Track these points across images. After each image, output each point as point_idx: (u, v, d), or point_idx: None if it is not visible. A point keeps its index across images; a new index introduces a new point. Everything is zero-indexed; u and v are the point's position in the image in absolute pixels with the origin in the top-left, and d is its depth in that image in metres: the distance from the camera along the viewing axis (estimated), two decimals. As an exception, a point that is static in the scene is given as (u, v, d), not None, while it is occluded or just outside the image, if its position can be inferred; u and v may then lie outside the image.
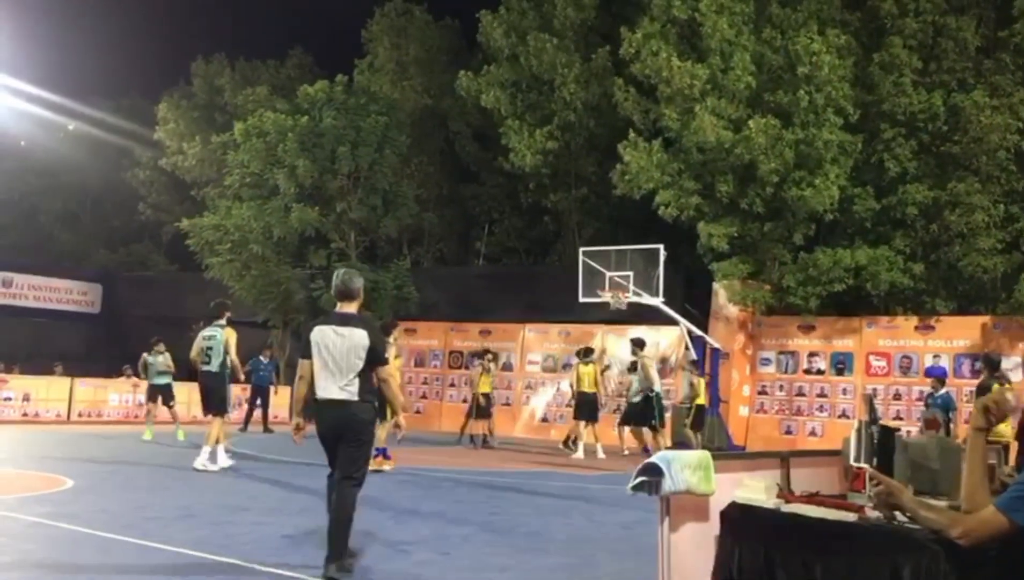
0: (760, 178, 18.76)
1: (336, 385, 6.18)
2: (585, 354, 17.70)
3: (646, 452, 14.27)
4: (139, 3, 40.49)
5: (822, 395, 19.40)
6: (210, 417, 12.15)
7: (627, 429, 16.85)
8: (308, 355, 6.27)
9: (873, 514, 3.07)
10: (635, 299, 18.42)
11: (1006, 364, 16.02)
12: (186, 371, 14.74)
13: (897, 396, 18.48)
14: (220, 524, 8.02)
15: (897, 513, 2.96)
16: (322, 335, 6.26)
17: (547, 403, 22.12)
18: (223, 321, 12.23)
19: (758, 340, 20.39)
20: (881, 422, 3.72)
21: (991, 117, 18.13)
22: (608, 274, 18.75)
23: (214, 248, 24.09)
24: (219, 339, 12.04)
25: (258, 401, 20.24)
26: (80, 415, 20.43)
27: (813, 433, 19.27)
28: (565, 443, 17.66)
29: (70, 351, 25.50)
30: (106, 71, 35.28)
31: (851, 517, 3.10)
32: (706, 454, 3.42)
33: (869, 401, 3.88)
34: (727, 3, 19.19)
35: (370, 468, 12.06)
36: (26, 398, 19.86)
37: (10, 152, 32.87)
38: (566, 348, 21.97)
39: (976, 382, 14.37)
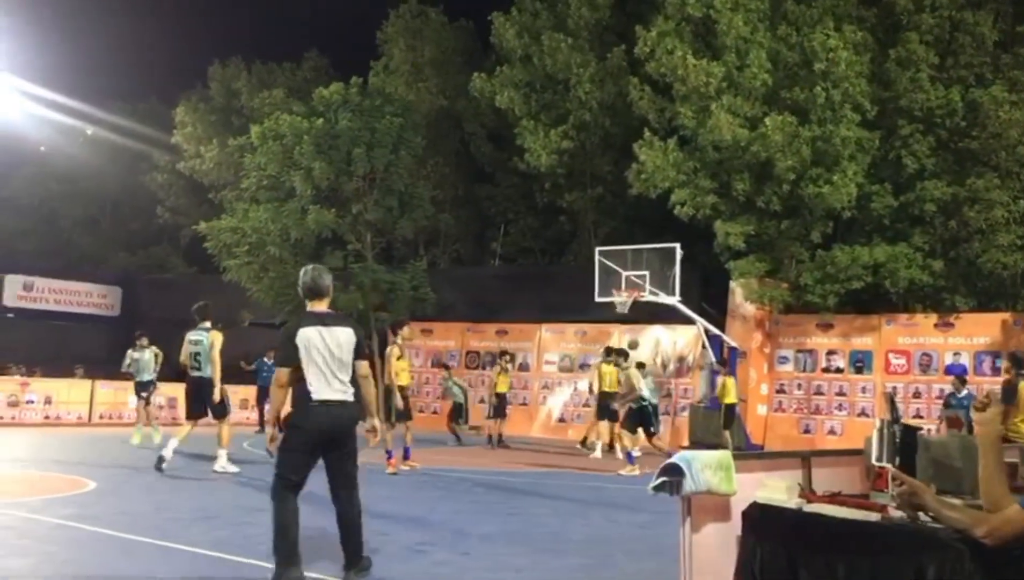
0: (777, 176, 18.69)
1: (333, 386, 5.94)
2: (616, 354, 17.57)
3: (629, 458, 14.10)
4: (155, 8, 40.74)
5: (841, 394, 19.30)
6: (188, 422, 12.04)
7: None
8: (289, 361, 5.88)
9: (896, 514, 3.05)
10: (651, 298, 18.39)
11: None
12: (173, 371, 14.48)
13: (917, 394, 18.36)
14: (239, 525, 8.06)
15: (920, 513, 2.95)
16: (307, 337, 5.93)
17: (564, 403, 22.11)
18: (208, 324, 12.06)
19: (776, 338, 20.31)
20: (902, 421, 3.70)
21: (1010, 112, 18.00)
22: (624, 273, 18.73)
23: (232, 250, 24.19)
24: (206, 344, 11.87)
25: (266, 402, 20.16)
26: (101, 417, 20.58)
27: (832, 432, 19.17)
28: (583, 443, 17.63)
29: (90, 354, 25.65)
30: (124, 76, 35.46)
31: (874, 517, 3.08)
32: (727, 454, 3.41)
33: (891, 400, 3.86)
34: (742, 0, 19.12)
35: (390, 471, 12.13)
36: (48, 401, 20.03)
37: (30, 158, 33.15)
38: (583, 348, 21.96)
39: (1000, 380, 14.26)
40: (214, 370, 11.91)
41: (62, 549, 6.78)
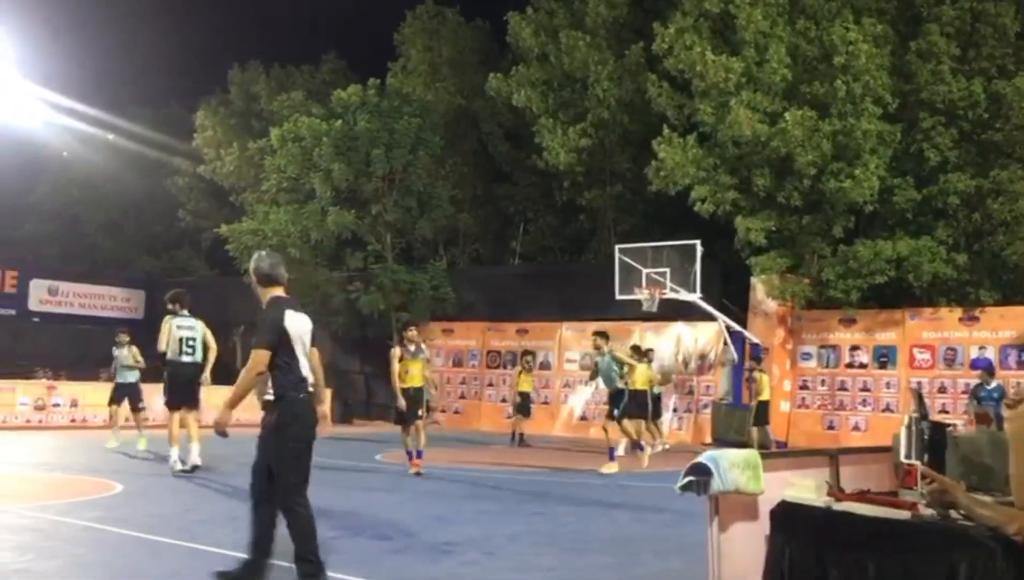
0: (797, 171, 18.58)
1: (310, 378, 5.65)
2: (635, 350, 17.60)
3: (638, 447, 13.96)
4: (174, 15, 41.01)
5: (865, 389, 19.17)
6: (173, 415, 11.63)
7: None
8: (274, 345, 5.42)
9: (927, 512, 3.03)
10: (672, 295, 18.34)
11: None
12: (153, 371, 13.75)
13: (942, 389, 18.21)
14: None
15: (951, 511, 2.93)
16: (292, 322, 5.53)
17: (586, 401, 22.07)
18: (187, 312, 11.74)
19: (798, 334, 20.19)
20: (930, 418, 3.68)
21: (1033, 103, 17.82)
22: (644, 271, 18.70)
23: (253, 253, 24.32)
24: (199, 330, 11.70)
25: None
26: (127, 420, 20.70)
27: (856, 428, 19.05)
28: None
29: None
30: (144, 83, 35.76)
31: (904, 515, 3.06)
32: (754, 453, 3.40)
33: (918, 396, 3.84)
34: (761, -6, 19.05)
35: (412, 471, 12.12)
36: (74, 404, 20.23)
37: (53, 164, 33.48)
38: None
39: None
40: (211, 355, 11.80)
41: (90, 551, 6.85)
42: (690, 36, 19.33)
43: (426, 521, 8.58)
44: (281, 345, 5.44)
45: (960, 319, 18.49)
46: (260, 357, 5.37)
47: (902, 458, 3.43)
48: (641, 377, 16.87)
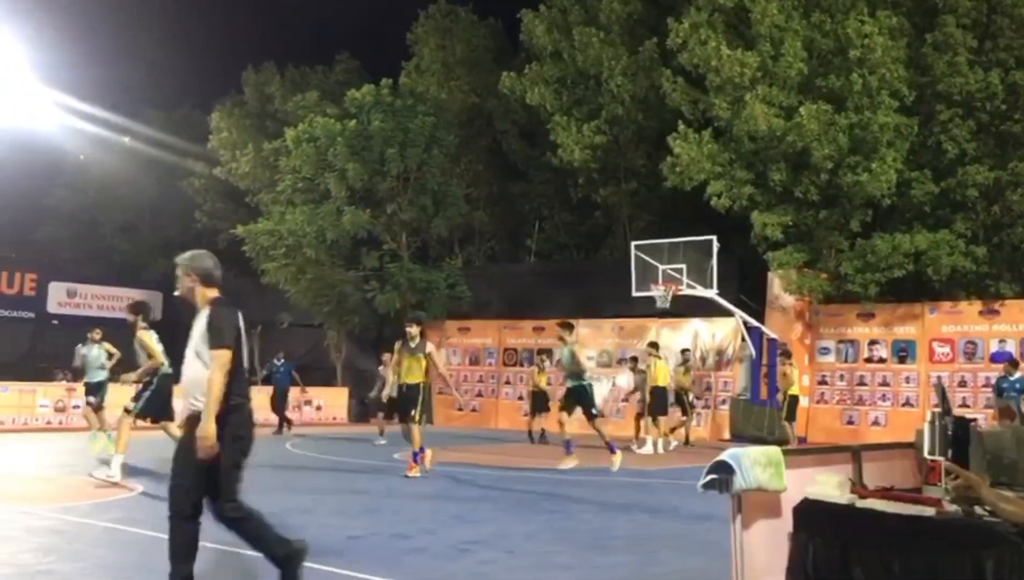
0: (814, 165, 18.49)
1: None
2: (652, 346, 17.64)
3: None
4: (187, 19, 41.27)
5: (884, 384, 19.07)
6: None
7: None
8: (232, 344, 5.13)
9: (951, 508, 3.00)
10: (689, 291, 18.29)
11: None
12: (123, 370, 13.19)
13: (963, 383, 18.09)
14: (287, 526, 8.07)
15: (976, 507, 2.90)
16: (240, 323, 5.30)
17: (603, 398, 21.99)
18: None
19: (816, 329, 20.10)
20: (954, 413, 3.64)
21: (1052, 94, 17.67)
22: (661, 267, 18.66)
23: (269, 253, 24.43)
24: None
25: (286, 399, 19.94)
26: (146, 421, 20.80)
27: (876, 423, 18.95)
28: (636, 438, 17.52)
29: (133, 358, 25.97)
30: (159, 86, 36.02)
31: (929, 511, 3.03)
32: (776, 450, 3.38)
33: (941, 391, 3.81)
34: (775, -12, 18.95)
35: (410, 474, 11.91)
36: (93, 406, 20.31)
37: (70, 168, 33.73)
38: (620, 343, 21.89)
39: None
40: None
41: (113, 552, 6.88)
42: (705, 31, 19.26)
43: (445, 519, 8.58)
44: (236, 349, 5.16)
45: (980, 312, 18.36)
46: (225, 357, 5.05)
47: (926, 454, 3.40)
48: (662, 374, 16.89)
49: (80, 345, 15.19)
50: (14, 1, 23.06)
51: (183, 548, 5.21)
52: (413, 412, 11.97)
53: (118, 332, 29.80)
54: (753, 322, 19.29)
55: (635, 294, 19.09)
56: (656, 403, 16.68)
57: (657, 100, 22.44)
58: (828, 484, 3.26)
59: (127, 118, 31.03)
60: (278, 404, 19.93)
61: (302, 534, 7.67)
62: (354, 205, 23.94)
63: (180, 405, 5.41)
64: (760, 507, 3.35)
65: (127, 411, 11.31)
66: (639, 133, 24.03)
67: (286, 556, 5.33)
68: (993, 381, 15.67)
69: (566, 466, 12.85)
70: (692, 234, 19.10)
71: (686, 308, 19.63)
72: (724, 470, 3.26)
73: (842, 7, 19.02)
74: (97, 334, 14.87)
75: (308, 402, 23.80)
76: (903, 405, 18.68)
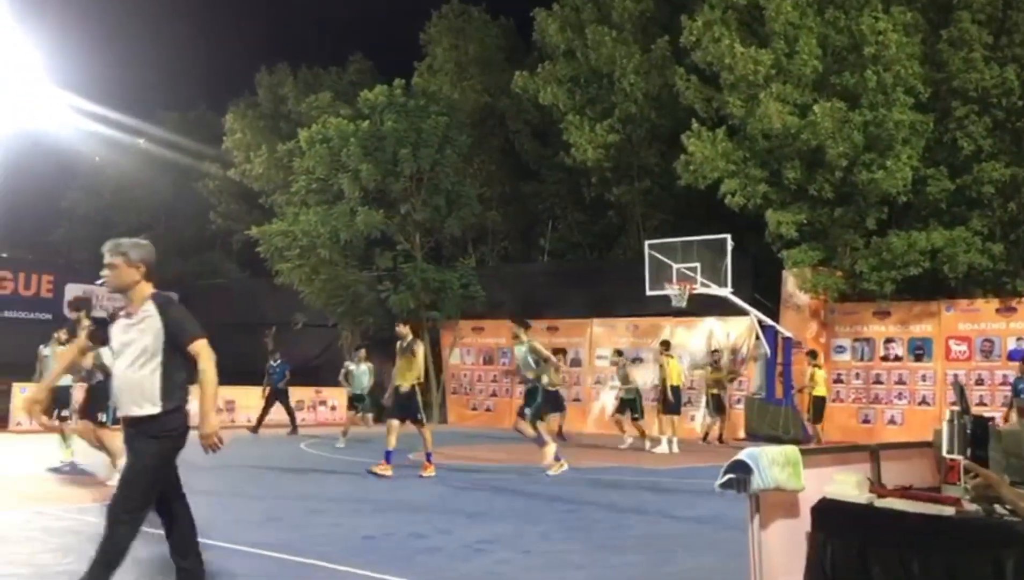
0: (828, 162, 18.41)
1: None
2: (663, 345, 17.77)
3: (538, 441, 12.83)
4: (200, 20, 41.43)
5: (901, 382, 18.97)
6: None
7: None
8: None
9: (970, 507, 2.98)
10: (703, 290, 18.24)
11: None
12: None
13: (980, 381, 17.97)
14: (303, 526, 8.16)
15: (996, 506, 2.87)
16: None
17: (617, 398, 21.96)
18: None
19: (831, 328, 20.00)
20: (972, 412, 3.61)
21: (1069, 89, 17.53)
22: (675, 266, 18.60)
23: (283, 254, 24.50)
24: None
25: (275, 402, 19.73)
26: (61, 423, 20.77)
27: (892, 421, 18.85)
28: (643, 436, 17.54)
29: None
30: (173, 87, 36.19)
31: (948, 511, 3.01)
32: (794, 450, 3.36)
33: (960, 389, 3.77)
34: (790, -15, 18.87)
35: (425, 474, 11.94)
36: (109, 407, 20.41)
37: (85, 169, 33.92)
38: (635, 342, 21.83)
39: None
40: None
41: (129, 553, 6.90)
42: (718, 28, 19.20)
43: (459, 519, 8.59)
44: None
45: (997, 310, 18.22)
46: (207, 346, 4.83)
47: (944, 453, 3.37)
48: (675, 372, 16.89)
49: (43, 346, 13.89)
50: (29, 4, 23.20)
51: (119, 555, 4.86)
52: (420, 416, 12.06)
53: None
54: (768, 321, 19.21)
55: (649, 293, 19.05)
56: (669, 402, 16.70)
57: (670, 98, 22.37)
58: (847, 483, 3.24)
59: (142, 120, 31.20)
60: (284, 404, 19.88)
61: (316, 534, 7.71)
62: (367, 205, 23.97)
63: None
64: (778, 507, 3.33)
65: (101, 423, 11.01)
66: (652, 132, 23.97)
67: None
68: (1011, 379, 15.54)
69: (554, 470, 12.44)
70: (706, 233, 19.03)
71: (700, 307, 19.57)
72: (742, 469, 3.25)
73: (856, 4, 18.93)
74: (63, 335, 13.34)
75: (323, 402, 23.87)
76: (919, 403, 18.58)
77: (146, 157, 32.65)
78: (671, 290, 18.27)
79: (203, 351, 4.81)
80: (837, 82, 18.75)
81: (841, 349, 19.83)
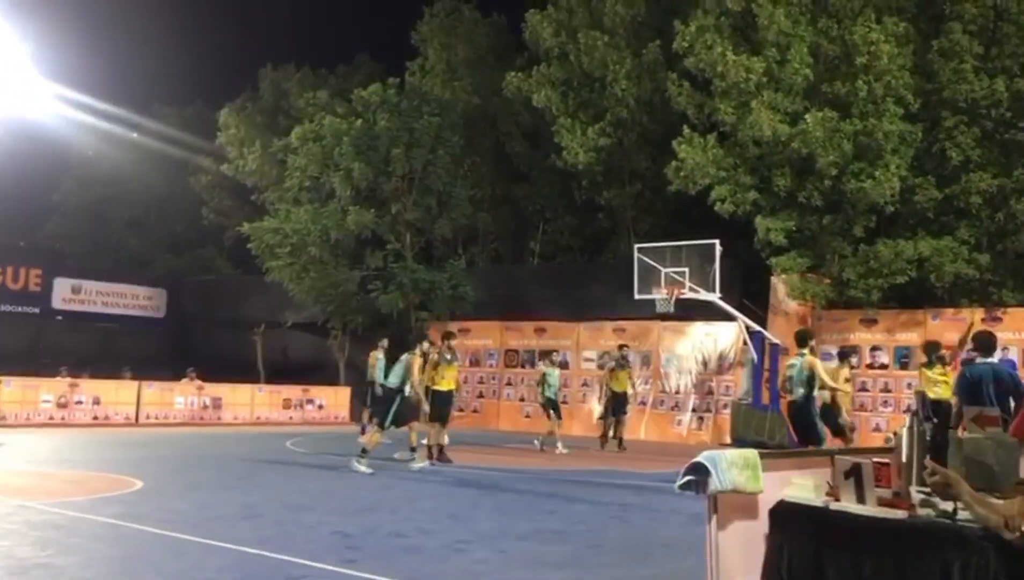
0: (818, 171, 18.51)
1: None
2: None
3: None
4: (196, 14, 41.32)
5: (886, 390, 19.06)
6: None
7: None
8: None
9: (923, 511, 3.05)
10: (692, 295, 18.30)
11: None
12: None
13: (964, 390, 18.05)
14: (284, 524, 8.19)
15: (954, 504, 2.94)
16: None
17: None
18: None
19: (819, 335, 20.04)
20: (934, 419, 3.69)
21: (1057, 102, 17.65)
22: (664, 270, 18.65)
23: (274, 251, 24.52)
24: None
25: None
26: (148, 417, 20.98)
27: (877, 429, 18.94)
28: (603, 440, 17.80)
29: (137, 355, 26.14)
30: (169, 82, 36.12)
31: (900, 515, 3.08)
32: (754, 453, 3.42)
33: (922, 397, 3.85)
34: (783, -6, 18.95)
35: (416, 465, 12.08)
36: (96, 402, 20.48)
37: (77, 162, 33.86)
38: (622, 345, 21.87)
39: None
40: None
41: (110, 547, 6.95)
42: (711, 35, 19.28)
43: (441, 519, 8.64)
44: None
45: (982, 319, 18.29)
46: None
47: (903, 458, 3.45)
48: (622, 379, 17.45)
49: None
50: (24, -4, 23.15)
51: None
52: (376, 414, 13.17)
53: (121, 329, 29.92)
54: (755, 327, 19.29)
55: (637, 297, 19.10)
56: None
57: (662, 103, 22.44)
58: (804, 487, 3.31)
59: (137, 114, 31.14)
60: None
61: (299, 532, 7.75)
62: (359, 205, 24.02)
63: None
64: (736, 508, 3.40)
65: None
66: (644, 136, 24.04)
67: None
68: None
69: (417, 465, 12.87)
70: (696, 238, 19.08)
71: (688, 312, 19.63)
72: (700, 471, 3.32)
73: (849, 13, 19.03)
74: None
75: (310, 401, 23.91)
76: (905, 411, 18.61)
77: (139, 151, 32.61)
78: (658, 295, 18.32)
79: None
80: (828, 91, 18.86)
81: (827, 356, 19.82)
